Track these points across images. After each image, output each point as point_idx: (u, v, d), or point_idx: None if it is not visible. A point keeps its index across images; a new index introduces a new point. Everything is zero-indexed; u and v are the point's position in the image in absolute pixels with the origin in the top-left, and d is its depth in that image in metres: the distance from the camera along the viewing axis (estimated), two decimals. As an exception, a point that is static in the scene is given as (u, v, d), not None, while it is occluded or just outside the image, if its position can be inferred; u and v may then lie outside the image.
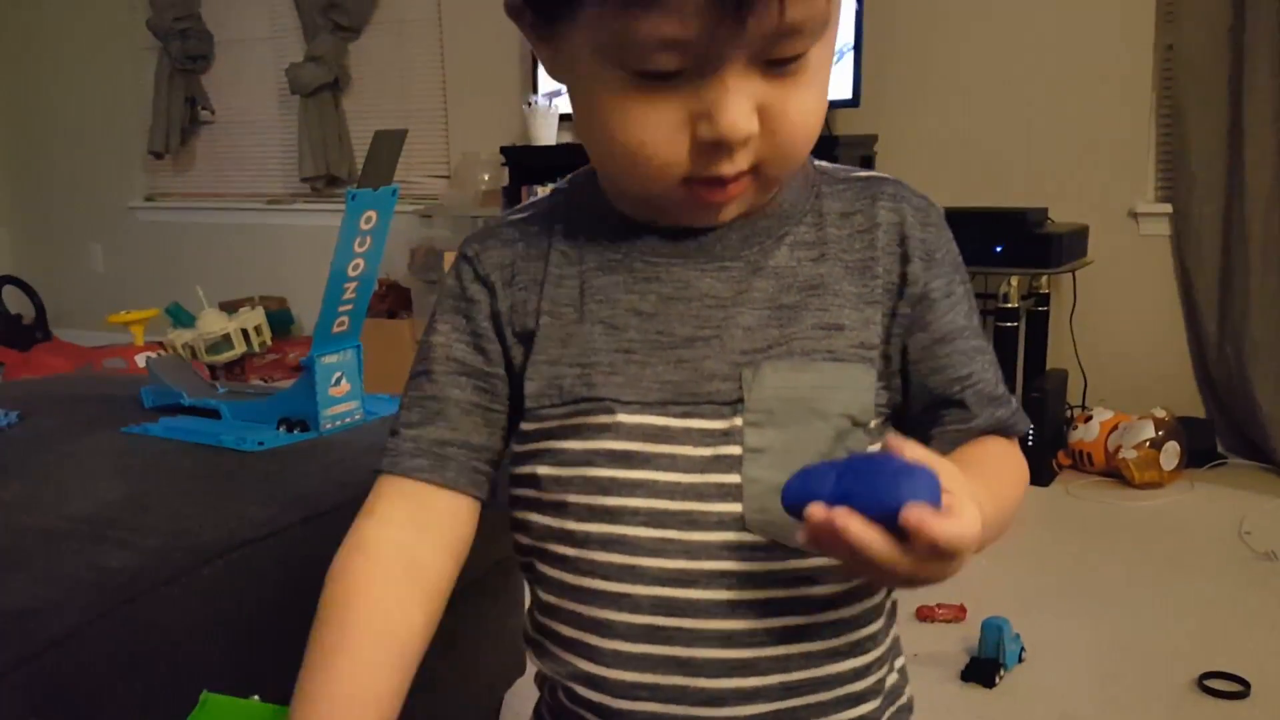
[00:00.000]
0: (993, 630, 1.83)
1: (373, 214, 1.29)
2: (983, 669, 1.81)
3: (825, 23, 0.59)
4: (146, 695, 0.95)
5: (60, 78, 5.15)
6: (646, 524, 0.64)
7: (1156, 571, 2.27)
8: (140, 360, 3.41)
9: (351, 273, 1.32)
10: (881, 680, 0.69)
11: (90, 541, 1.03)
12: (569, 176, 0.74)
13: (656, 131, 0.59)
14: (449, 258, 3.85)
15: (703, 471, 0.64)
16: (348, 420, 1.40)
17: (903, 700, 0.73)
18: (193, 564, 1.01)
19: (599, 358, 0.66)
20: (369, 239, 1.31)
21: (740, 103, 0.58)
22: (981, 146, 3.21)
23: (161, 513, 1.11)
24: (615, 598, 0.65)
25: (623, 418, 0.65)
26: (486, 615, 1.56)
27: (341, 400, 1.39)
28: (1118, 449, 2.78)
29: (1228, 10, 2.83)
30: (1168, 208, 3.03)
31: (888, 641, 0.70)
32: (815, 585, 0.65)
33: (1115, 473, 2.80)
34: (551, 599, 0.69)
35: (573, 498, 0.66)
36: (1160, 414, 2.80)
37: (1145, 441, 2.75)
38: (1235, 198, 2.87)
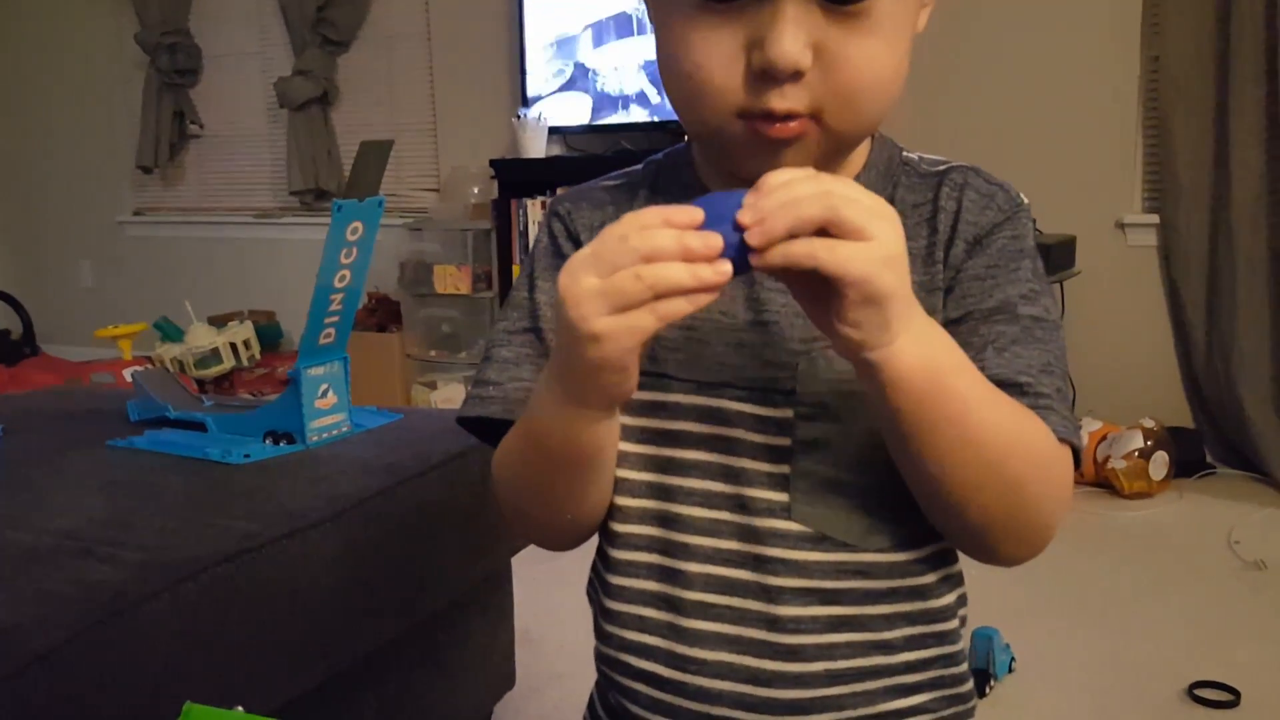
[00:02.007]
0: (983, 640, 1.83)
1: (359, 225, 1.29)
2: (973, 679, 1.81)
3: None
4: (131, 710, 0.94)
5: (48, 93, 5.13)
6: (700, 504, 0.66)
7: (1146, 581, 2.27)
8: (128, 375, 3.40)
9: (338, 284, 1.32)
10: (941, 676, 0.69)
11: (74, 556, 1.02)
12: (666, 150, 0.75)
13: (714, 56, 0.60)
14: (439, 271, 3.86)
15: (754, 458, 0.65)
16: (334, 433, 1.39)
17: (963, 689, 0.72)
18: (177, 579, 1.00)
19: (663, 332, 0.66)
20: (355, 250, 1.30)
21: (793, 32, 0.57)
22: (967, 157, 3.21)
23: (146, 527, 1.10)
24: (669, 572, 0.67)
25: (680, 397, 0.66)
26: (475, 630, 1.56)
27: (328, 413, 1.38)
28: (1106, 459, 2.79)
29: (1212, 22, 2.85)
30: (1155, 218, 3.04)
31: (955, 640, 0.70)
32: (868, 579, 0.65)
33: (1105, 483, 2.80)
34: (606, 570, 0.71)
35: (628, 473, 0.68)
36: (1149, 424, 2.81)
37: (1134, 451, 2.75)
38: (1222, 208, 2.89)
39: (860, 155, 0.69)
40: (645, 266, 0.52)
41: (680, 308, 0.53)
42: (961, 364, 0.59)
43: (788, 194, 0.52)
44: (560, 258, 0.72)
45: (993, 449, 0.59)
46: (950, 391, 0.57)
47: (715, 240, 0.52)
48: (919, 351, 0.56)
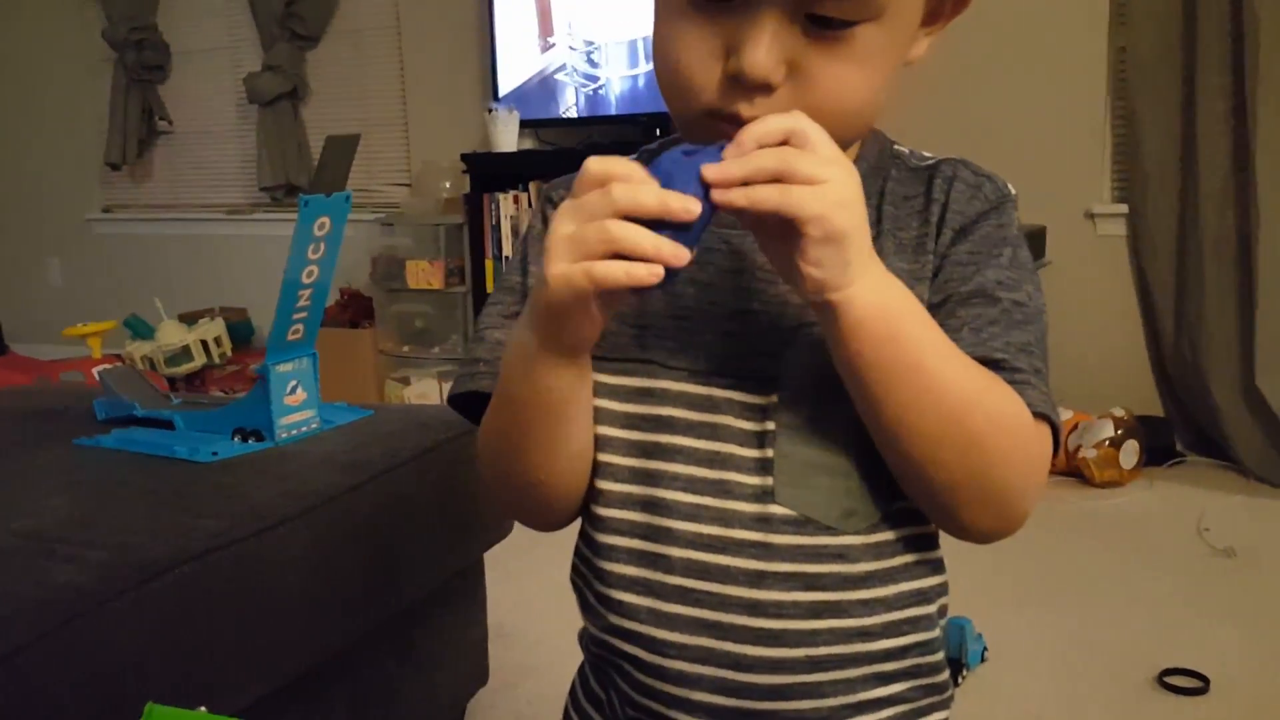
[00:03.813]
0: (955, 631, 1.84)
1: (326, 220, 1.28)
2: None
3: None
4: (94, 711, 0.93)
5: (14, 89, 5.07)
6: (684, 489, 0.67)
7: (1117, 569, 2.29)
8: (97, 373, 3.36)
9: (305, 280, 1.31)
10: (918, 664, 0.70)
11: (37, 557, 1.01)
12: (659, 140, 0.76)
13: (694, 54, 0.61)
14: (411, 266, 3.84)
15: (740, 444, 0.66)
16: (303, 429, 1.38)
17: (939, 679, 0.72)
18: (141, 578, 0.99)
19: (653, 320, 0.68)
20: (323, 245, 1.29)
21: (768, 44, 0.59)
22: (937, 149, 3.23)
23: (110, 526, 1.09)
24: (651, 557, 0.67)
25: (668, 384, 0.67)
26: (448, 625, 1.55)
27: (297, 409, 1.37)
28: (1078, 448, 2.81)
29: (1179, 13, 2.88)
30: (1123, 208, 3.07)
31: (930, 627, 0.70)
32: (847, 562, 0.66)
33: (1076, 472, 2.83)
34: (589, 554, 0.71)
35: (612, 458, 0.69)
36: (1119, 413, 2.83)
37: (1105, 440, 2.77)
38: (1189, 197, 2.92)
39: (851, 150, 0.70)
40: (612, 222, 0.54)
41: (615, 275, 0.55)
42: (919, 314, 0.61)
43: (749, 138, 0.56)
44: None
45: (952, 401, 0.60)
46: (908, 338, 0.59)
47: (694, 205, 0.55)
48: (877, 298, 0.58)
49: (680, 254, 0.55)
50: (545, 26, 3.63)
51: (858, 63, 0.61)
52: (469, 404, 0.73)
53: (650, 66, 0.68)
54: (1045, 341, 0.66)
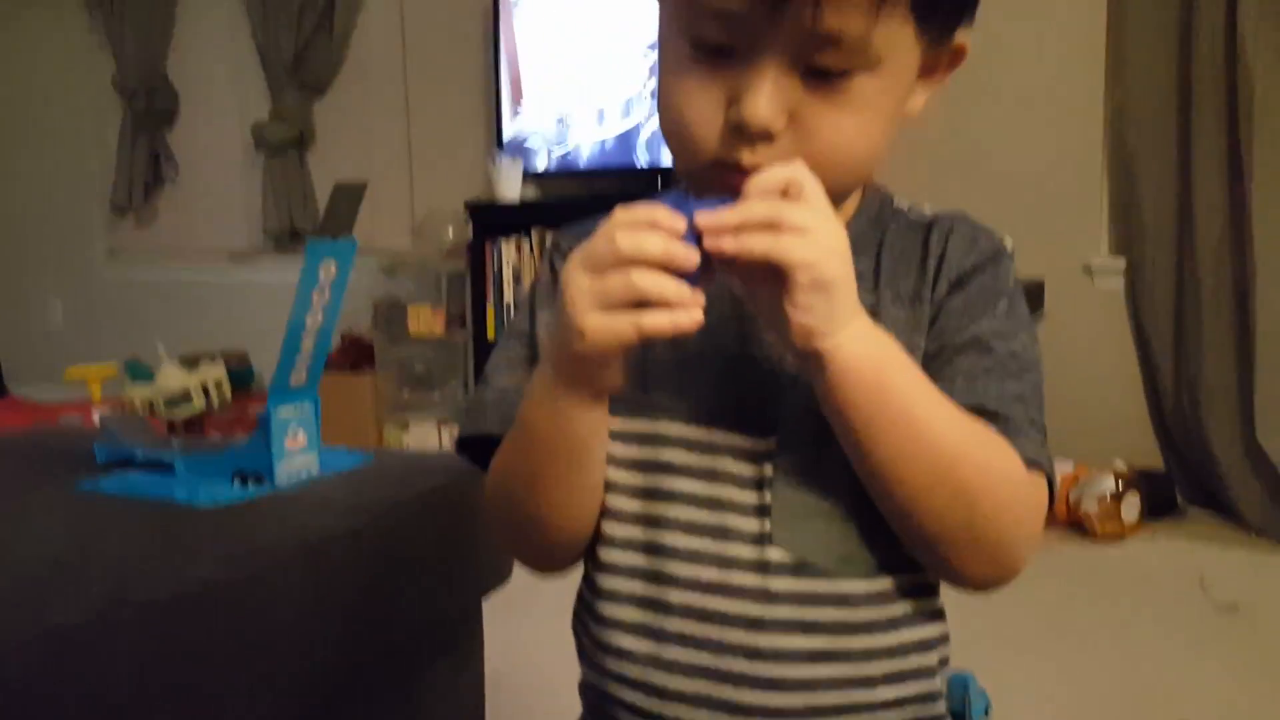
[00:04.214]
0: (958, 685, 1.81)
1: (332, 265, 1.29)
2: (948, 723, 1.80)
3: (868, 47, 0.60)
4: (88, 757, 0.92)
5: (24, 133, 5.12)
6: (685, 533, 0.67)
7: (1119, 623, 2.28)
8: (97, 416, 3.36)
9: (309, 324, 1.31)
10: (918, 717, 0.70)
11: (34, 600, 1.01)
12: (663, 193, 0.77)
13: (697, 104, 0.63)
14: (413, 312, 3.86)
15: (739, 488, 0.67)
16: (303, 474, 1.38)
17: None
18: (137, 621, 0.99)
19: (656, 365, 0.70)
20: (327, 291, 1.30)
21: (769, 93, 0.60)
22: (935, 201, 3.25)
23: (108, 568, 1.09)
24: (652, 602, 0.68)
25: (668, 428, 0.68)
26: (445, 671, 1.54)
27: (298, 454, 1.37)
28: (1079, 501, 2.80)
29: (1173, 70, 2.92)
30: (1121, 261, 3.09)
31: (931, 677, 0.71)
32: (847, 608, 0.66)
33: (1077, 525, 2.82)
34: (590, 598, 0.72)
35: (618, 501, 0.69)
36: (1120, 466, 2.83)
37: (1106, 494, 2.77)
38: (1187, 251, 2.93)
39: (851, 203, 0.71)
40: (636, 272, 0.56)
41: (661, 325, 0.57)
42: (907, 365, 0.62)
43: (754, 187, 0.58)
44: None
45: (940, 451, 0.61)
46: (895, 388, 0.60)
47: (694, 255, 0.57)
48: (863, 347, 0.60)
49: (700, 298, 0.57)
50: (517, 89, 3.68)
51: (856, 112, 0.62)
52: (474, 446, 0.74)
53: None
54: (1041, 392, 0.67)
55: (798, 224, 0.56)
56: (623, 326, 0.57)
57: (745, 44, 0.60)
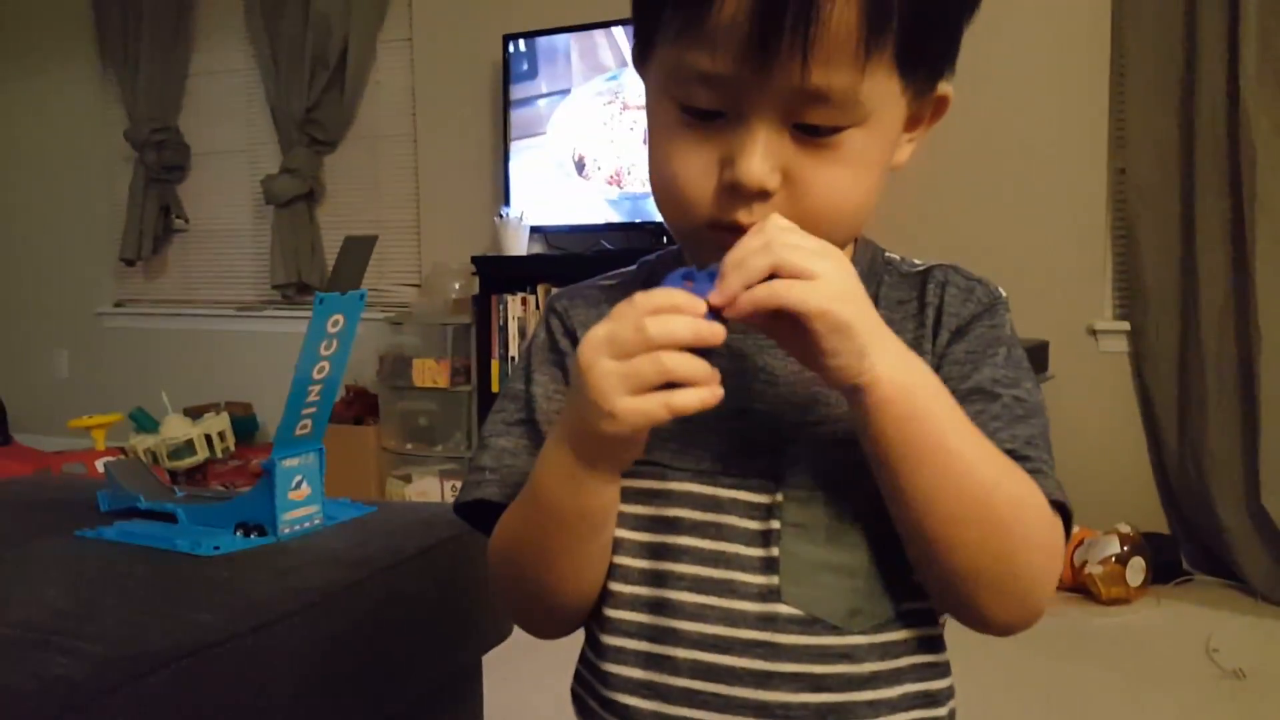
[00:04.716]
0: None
1: (340, 318, 1.30)
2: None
3: (856, 102, 0.61)
4: (82, 811, 0.91)
5: (35, 184, 5.18)
6: (691, 589, 0.67)
7: (1125, 689, 2.25)
8: (100, 465, 3.36)
9: (316, 376, 1.32)
10: None
11: (33, 649, 1.00)
12: (659, 252, 0.79)
13: (690, 168, 0.64)
14: (418, 365, 3.87)
15: (747, 543, 0.67)
16: (306, 525, 1.38)
17: None
18: (137, 673, 0.98)
19: (659, 424, 0.69)
20: (335, 342, 1.31)
21: (762, 154, 0.61)
22: (940, 260, 3.28)
23: (108, 619, 1.08)
24: (658, 659, 0.67)
25: (674, 485, 0.68)
26: (443, 729, 1.52)
27: (300, 505, 1.37)
28: (1083, 564, 2.78)
29: (1176, 137, 2.94)
30: (1125, 325, 3.10)
31: None
32: (853, 663, 0.66)
33: (1082, 588, 2.79)
34: (594, 658, 0.71)
35: (624, 560, 0.69)
36: (1125, 529, 2.81)
37: (1111, 557, 2.75)
38: (1190, 316, 2.94)
39: (844, 254, 0.71)
40: (665, 354, 0.57)
41: (691, 403, 0.58)
42: (941, 393, 0.62)
43: (737, 254, 0.59)
44: (557, 353, 0.75)
45: (975, 482, 0.61)
46: (930, 415, 0.61)
47: (720, 331, 0.58)
48: (900, 376, 0.60)
49: (717, 372, 0.58)
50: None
51: (848, 166, 0.63)
52: (473, 510, 0.74)
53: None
54: (1048, 437, 0.68)
55: (799, 267, 0.57)
56: (653, 407, 0.58)
57: (735, 106, 0.61)
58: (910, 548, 0.64)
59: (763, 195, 0.62)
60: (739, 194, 0.62)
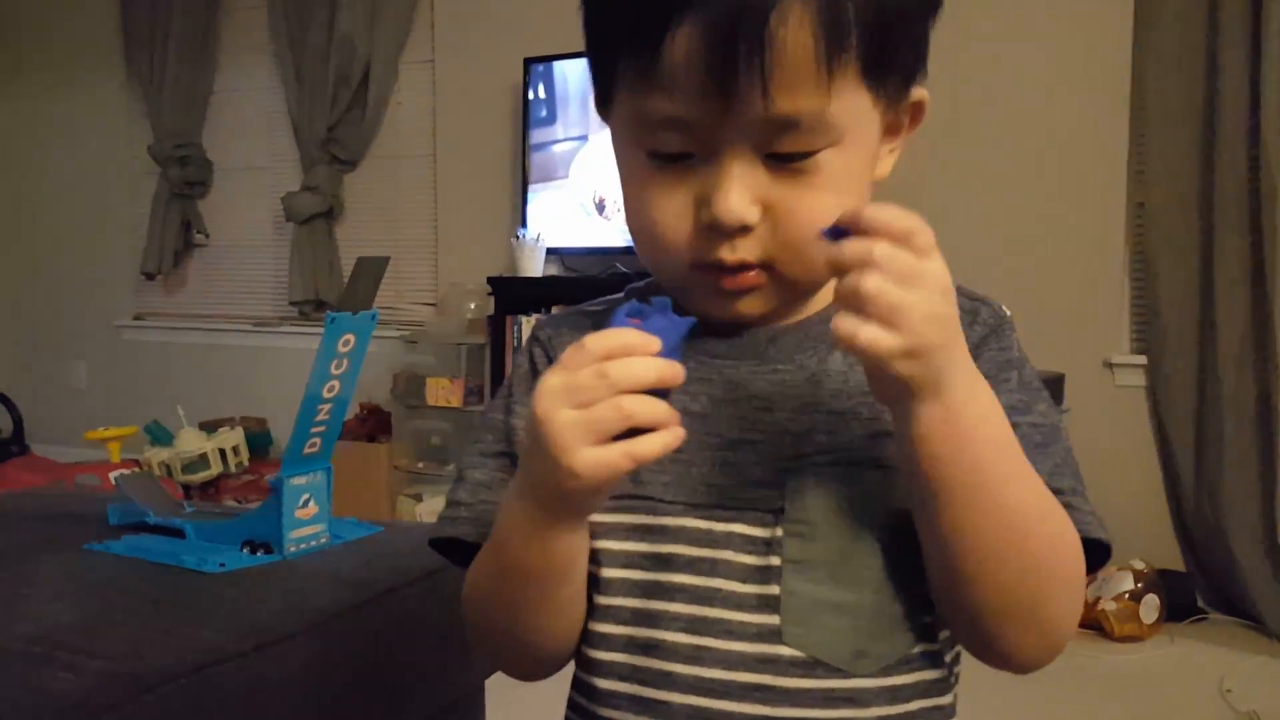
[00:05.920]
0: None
1: (351, 337, 1.30)
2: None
3: (827, 123, 0.59)
4: (78, 828, 0.90)
5: (58, 198, 5.23)
6: (685, 630, 0.64)
7: (1137, 728, 2.22)
8: (113, 478, 3.37)
9: (326, 394, 1.32)
10: None
11: (36, 663, 1.00)
12: (647, 280, 0.76)
13: (666, 212, 0.62)
14: (431, 383, 3.87)
15: (744, 580, 0.64)
16: (312, 544, 1.38)
17: None
18: (138, 689, 0.98)
19: None
20: (346, 361, 1.31)
21: (739, 189, 0.59)
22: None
23: (112, 635, 1.08)
24: (651, 704, 0.64)
25: (667, 520, 0.65)
26: (444, 753, 1.51)
27: (307, 523, 1.37)
28: (1097, 600, 2.75)
29: (1195, 170, 2.94)
30: (1142, 359, 3.08)
31: None
32: (857, 707, 0.63)
33: (1095, 625, 2.76)
34: (584, 700, 0.68)
35: (613, 600, 0.66)
36: (1139, 566, 2.78)
37: (1124, 593, 2.72)
38: (1208, 352, 2.92)
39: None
40: (626, 399, 0.55)
41: (654, 449, 0.55)
42: (1004, 419, 0.59)
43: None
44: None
45: (1022, 517, 0.58)
46: (990, 443, 0.58)
47: (680, 370, 0.56)
48: (969, 401, 0.57)
49: (676, 413, 0.57)
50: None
51: (829, 189, 0.61)
52: (449, 544, 0.72)
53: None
54: (1072, 456, 0.65)
55: (884, 305, 0.53)
56: (616, 458, 0.55)
57: (703, 145, 0.60)
58: (938, 580, 0.61)
59: (744, 230, 0.60)
60: (719, 232, 0.61)
